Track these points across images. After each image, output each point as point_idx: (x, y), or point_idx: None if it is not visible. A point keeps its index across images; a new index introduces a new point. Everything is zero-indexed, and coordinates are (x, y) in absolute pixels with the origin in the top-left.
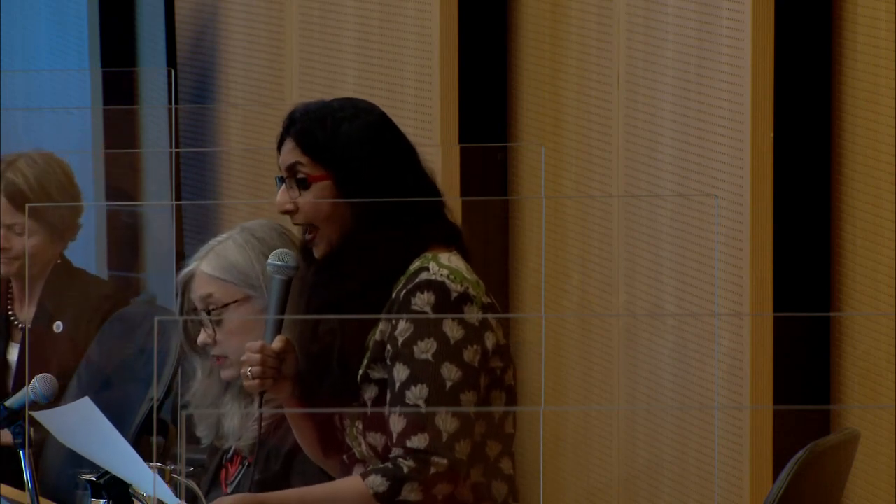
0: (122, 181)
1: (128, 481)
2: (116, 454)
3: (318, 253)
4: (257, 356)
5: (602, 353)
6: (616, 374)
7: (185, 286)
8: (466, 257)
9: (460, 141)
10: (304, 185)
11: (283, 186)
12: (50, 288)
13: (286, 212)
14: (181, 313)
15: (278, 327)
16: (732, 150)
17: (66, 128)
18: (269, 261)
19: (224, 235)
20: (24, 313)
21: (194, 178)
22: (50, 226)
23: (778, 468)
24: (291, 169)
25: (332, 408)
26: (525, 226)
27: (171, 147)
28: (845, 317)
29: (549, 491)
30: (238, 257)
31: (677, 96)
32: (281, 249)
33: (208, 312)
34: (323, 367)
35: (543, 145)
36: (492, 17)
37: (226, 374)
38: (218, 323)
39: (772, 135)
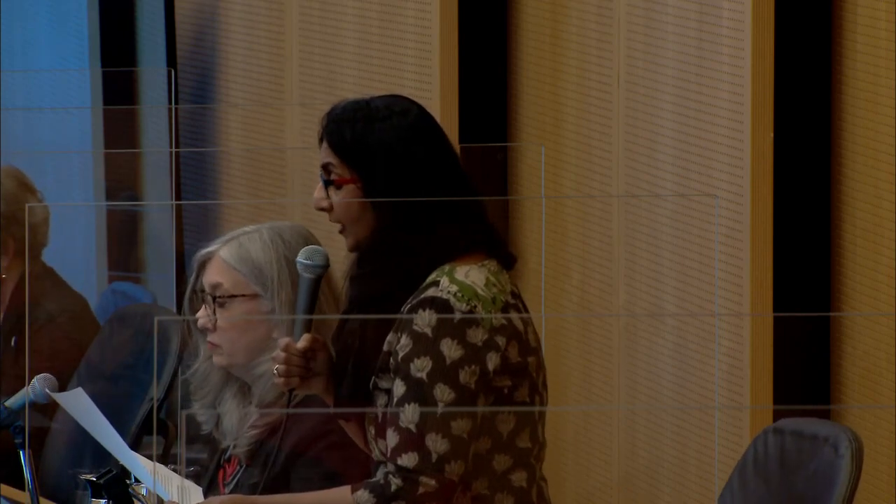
0: (123, 181)
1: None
2: (112, 448)
3: (347, 248)
4: (283, 355)
5: (602, 353)
6: (616, 374)
7: (201, 268)
8: (509, 264)
9: (460, 141)
10: (334, 186)
11: (321, 184)
12: (19, 295)
13: (321, 209)
14: (194, 292)
15: (306, 326)
16: (732, 150)
17: (66, 128)
18: (298, 258)
19: (252, 228)
20: None
21: (194, 178)
22: None
23: None
24: (325, 168)
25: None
26: (525, 226)
27: (171, 147)
28: (845, 317)
29: (549, 491)
30: (259, 253)
31: (677, 96)
32: (310, 247)
33: (214, 299)
34: (342, 368)
35: (543, 145)
36: (492, 17)
37: (216, 359)
38: (221, 306)
39: (772, 135)
